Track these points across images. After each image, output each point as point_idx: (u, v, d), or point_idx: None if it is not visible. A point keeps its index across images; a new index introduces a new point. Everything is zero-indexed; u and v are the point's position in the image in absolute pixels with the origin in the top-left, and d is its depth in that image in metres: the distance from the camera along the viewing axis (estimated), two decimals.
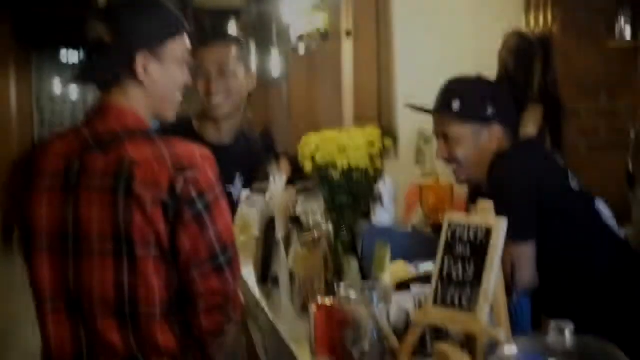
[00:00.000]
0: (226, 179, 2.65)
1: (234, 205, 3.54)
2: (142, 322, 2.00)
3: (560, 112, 4.96)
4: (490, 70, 4.86)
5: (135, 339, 2.01)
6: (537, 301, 2.66)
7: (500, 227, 2.18)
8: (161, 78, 2.12)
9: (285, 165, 9.41)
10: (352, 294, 2.28)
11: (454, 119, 2.68)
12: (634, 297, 2.56)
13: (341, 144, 2.82)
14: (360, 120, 9.17)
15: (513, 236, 2.46)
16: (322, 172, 2.88)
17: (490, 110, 2.64)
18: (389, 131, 8.83)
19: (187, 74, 2.19)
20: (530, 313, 2.43)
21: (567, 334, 1.69)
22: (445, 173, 7.01)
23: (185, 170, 2.00)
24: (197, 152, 2.06)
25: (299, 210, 4.06)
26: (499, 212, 2.52)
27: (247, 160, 3.70)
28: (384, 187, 2.80)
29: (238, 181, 3.68)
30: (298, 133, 11.93)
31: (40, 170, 2.08)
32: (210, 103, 3.50)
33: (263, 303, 3.05)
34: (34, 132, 8.81)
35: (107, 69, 2.10)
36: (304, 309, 2.82)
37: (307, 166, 2.87)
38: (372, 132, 2.93)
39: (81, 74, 2.18)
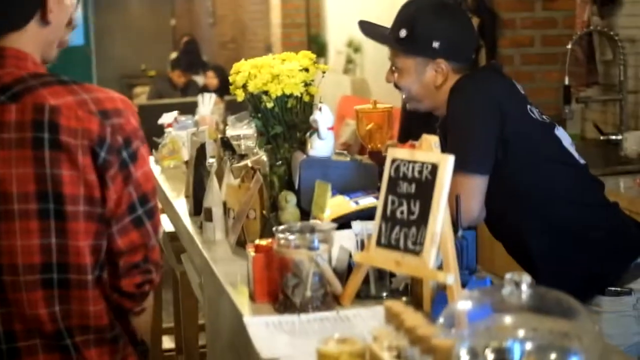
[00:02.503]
0: None
1: None
2: (73, 290, 1.82)
3: (496, 22, 4.87)
4: None
5: (63, 312, 1.82)
6: (492, 230, 2.60)
7: (447, 163, 2.07)
8: (60, 17, 1.95)
9: (212, 78, 9.22)
10: (291, 237, 2.17)
11: (399, 50, 2.56)
12: (593, 222, 2.50)
13: (274, 72, 2.66)
14: (287, 27, 9.00)
15: (467, 168, 2.38)
16: (254, 101, 2.72)
17: (436, 45, 2.51)
18: (317, 40, 8.71)
19: (74, 11, 2.01)
20: (475, 247, 2.34)
21: (524, 287, 1.60)
22: (377, 83, 6.92)
23: (111, 116, 1.84)
24: (117, 97, 1.89)
25: (230, 132, 3.92)
26: (457, 142, 2.43)
27: None
28: (321, 115, 2.66)
29: None
30: (223, 40, 11.74)
31: None
32: None
33: (196, 238, 2.92)
34: None
35: (18, 9, 1.89)
36: (239, 244, 2.71)
37: (239, 95, 2.71)
38: (306, 57, 2.78)
39: None
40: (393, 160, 2.18)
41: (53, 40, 1.97)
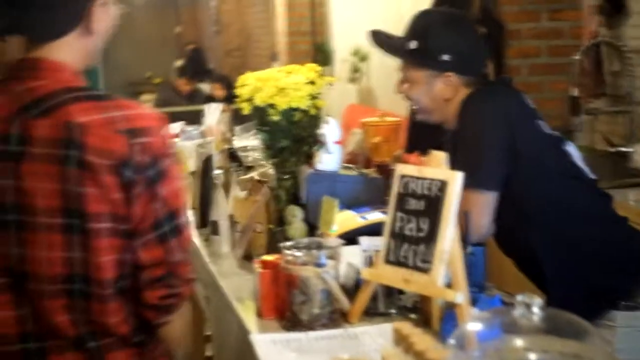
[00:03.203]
0: None
1: None
2: (93, 302, 1.83)
3: (502, 33, 4.84)
4: None
5: (84, 320, 1.84)
6: (503, 247, 2.58)
7: (456, 180, 2.05)
8: (104, 26, 1.94)
9: (219, 90, 9.21)
10: (298, 253, 2.15)
11: (409, 61, 2.54)
12: (603, 237, 2.48)
13: (280, 85, 2.64)
14: (293, 35, 8.98)
15: (477, 184, 2.36)
16: (260, 114, 2.70)
17: (446, 58, 2.49)
18: (322, 48, 8.69)
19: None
20: (484, 263, 2.32)
21: (535, 309, 1.58)
22: (383, 92, 6.90)
23: (139, 135, 1.82)
24: (148, 115, 1.88)
25: (237, 143, 3.90)
26: (467, 157, 2.41)
27: None
28: (328, 129, 2.64)
29: None
30: (228, 48, 11.70)
31: None
32: None
33: (203, 251, 2.90)
34: None
35: (61, 18, 1.88)
36: (246, 258, 2.69)
37: (245, 108, 2.69)
38: (312, 70, 2.76)
39: (18, 24, 1.90)
40: (402, 177, 2.16)
41: (94, 49, 1.96)
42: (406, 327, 1.56)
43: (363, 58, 7.56)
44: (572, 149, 2.55)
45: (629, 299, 2.43)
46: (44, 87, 1.85)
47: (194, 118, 5.14)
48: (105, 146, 1.79)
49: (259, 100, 2.65)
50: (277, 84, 2.66)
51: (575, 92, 4.21)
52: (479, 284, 2.28)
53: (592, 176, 2.56)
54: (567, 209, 2.47)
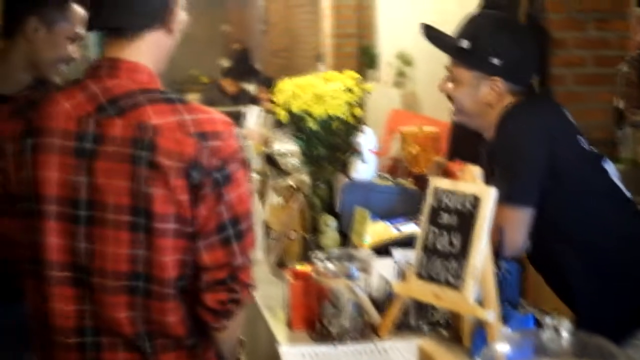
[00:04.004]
0: None
1: None
2: (154, 301, 1.86)
3: (547, 41, 4.78)
4: None
5: (143, 318, 1.86)
6: (535, 264, 2.54)
7: (489, 196, 2.03)
8: (179, 27, 1.98)
9: (264, 93, 9.22)
10: (330, 265, 2.14)
11: (458, 60, 2.50)
12: (638, 256, 2.43)
13: (318, 92, 2.63)
14: (339, 37, 8.97)
15: (513, 199, 2.33)
16: (297, 121, 2.69)
17: (496, 62, 2.44)
18: (368, 51, 8.67)
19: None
20: (518, 280, 2.29)
21: (564, 332, 1.55)
22: (428, 98, 6.86)
23: (209, 139, 1.85)
24: (218, 119, 1.90)
25: (276, 148, 3.89)
26: (504, 172, 2.38)
27: None
28: (364, 138, 2.62)
29: None
30: (275, 48, 11.69)
31: (46, 130, 1.89)
32: None
33: None
34: None
35: (142, 14, 1.91)
36: (280, 265, 2.69)
37: (282, 115, 2.69)
38: (350, 77, 2.74)
39: (106, 19, 1.93)
40: (435, 190, 2.14)
41: (170, 51, 1.99)
42: (430, 346, 1.55)
43: (408, 62, 7.52)
44: (609, 166, 2.50)
45: None
46: (121, 87, 1.89)
47: (239, 119, 5.14)
48: (176, 148, 1.82)
49: (295, 108, 2.64)
50: (314, 91, 2.65)
51: (620, 103, 4.15)
52: (513, 300, 2.25)
53: (628, 194, 2.51)
54: (601, 227, 2.42)
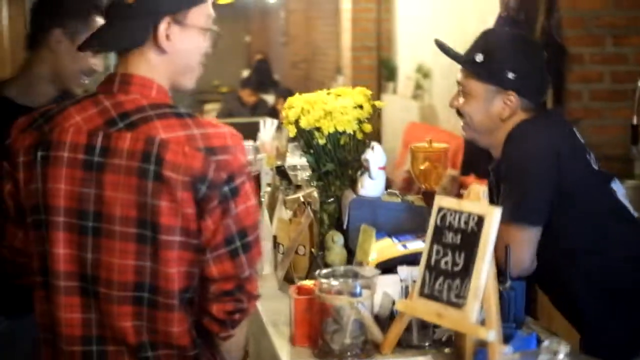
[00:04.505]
0: None
1: None
2: (159, 311, 1.89)
3: (564, 57, 4.77)
4: (494, 6, 4.68)
5: (148, 328, 1.90)
6: (541, 283, 2.53)
7: (493, 215, 2.02)
8: (183, 46, 1.99)
9: (282, 104, 9.27)
10: (334, 282, 2.14)
11: (472, 73, 2.49)
12: None
13: (327, 108, 2.63)
14: (358, 50, 8.98)
15: (520, 219, 2.33)
16: (306, 136, 2.70)
17: (511, 76, 2.44)
18: (387, 64, 8.66)
19: (208, 42, 2.05)
20: (524, 298, 2.28)
21: (560, 356, 1.55)
22: (445, 111, 6.85)
23: (217, 153, 1.88)
24: (227, 133, 1.93)
25: (290, 160, 3.89)
26: (512, 191, 2.37)
27: None
28: (372, 155, 2.62)
29: None
30: (295, 60, 11.70)
31: (57, 143, 1.93)
32: None
33: None
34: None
35: (128, 33, 1.94)
36: (288, 280, 2.69)
37: (291, 130, 2.69)
38: (361, 94, 2.74)
39: (99, 39, 2.01)
40: (440, 209, 2.13)
41: (176, 69, 2.00)
42: None
43: (426, 75, 7.52)
44: (618, 186, 2.49)
45: None
46: (132, 102, 1.93)
47: (255, 131, 5.14)
48: (184, 162, 1.85)
49: (304, 124, 2.64)
50: (324, 107, 2.65)
51: (636, 119, 4.12)
52: (518, 319, 2.24)
53: (635, 215, 2.50)
54: (607, 248, 2.41)
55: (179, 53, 1.98)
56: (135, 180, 1.85)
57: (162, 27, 1.94)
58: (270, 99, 9.46)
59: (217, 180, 1.86)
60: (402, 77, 8.25)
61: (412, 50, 7.82)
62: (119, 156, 1.87)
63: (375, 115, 2.77)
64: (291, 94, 8.26)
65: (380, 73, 8.63)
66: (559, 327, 2.53)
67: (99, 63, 2.70)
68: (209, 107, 10.86)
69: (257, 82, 9.60)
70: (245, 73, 11.40)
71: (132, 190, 1.86)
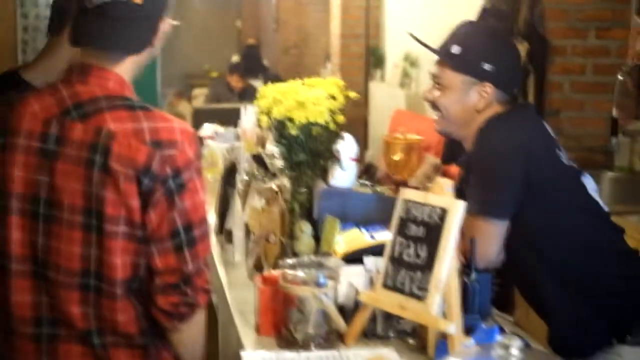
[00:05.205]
0: None
1: None
2: (104, 299, 1.93)
3: (546, 49, 4.78)
4: None
5: (95, 315, 1.94)
6: (509, 276, 2.54)
7: (456, 209, 2.03)
8: (161, 41, 2.06)
9: None
10: (298, 273, 2.15)
11: (448, 64, 2.49)
12: (613, 271, 2.43)
13: (300, 99, 2.63)
14: (347, 37, 8.97)
15: (487, 212, 2.33)
16: (279, 127, 2.70)
17: (487, 67, 2.45)
18: (375, 52, 8.66)
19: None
20: (489, 291, 2.29)
21: (514, 351, 1.56)
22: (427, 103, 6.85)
23: (163, 147, 1.91)
24: (177, 128, 1.95)
25: (269, 149, 3.89)
26: (479, 185, 2.38)
27: None
28: (343, 145, 2.63)
29: None
30: (286, 45, 11.69)
31: (15, 130, 1.97)
32: None
33: (216, 259, 2.91)
34: (17, 38, 8.62)
35: (139, 34, 1.98)
36: (258, 268, 2.69)
37: (263, 120, 2.69)
38: (334, 85, 2.74)
39: (102, 39, 1.97)
40: (405, 201, 2.14)
41: (149, 60, 2.07)
42: (381, 359, 1.56)
43: (413, 63, 7.52)
44: (589, 181, 2.49)
45: (636, 334, 2.39)
46: (88, 93, 1.96)
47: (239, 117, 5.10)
48: (129, 155, 1.89)
49: (277, 114, 2.65)
50: (296, 98, 2.65)
51: (615, 112, 4.13)
52: (484, 311, 2.25)
53: (605, 209, 2.51)
54: (575, 242, 2.42)
55: (157, 48, 2.05)
56: (83, 171, 1.90)
57: (162, 27, 2.01)
58: (258, 85, 9.44)
59: (161, 173, 1.90)
60: (389, 65, 8.25)
61: (400, 38, 7.82)
62: (71, 146, 1.92)
63: (350, 105, 2.77)
64: (280, 80, 8.24)
65: (369, 60, 8.63)
66: (533, 318, 2.54)
67: None
68: (197, 92, 10.84)
69: (246, 67, 9.59)
70: (236, 58, 11.39)
71: (80, 179, 1.91)
